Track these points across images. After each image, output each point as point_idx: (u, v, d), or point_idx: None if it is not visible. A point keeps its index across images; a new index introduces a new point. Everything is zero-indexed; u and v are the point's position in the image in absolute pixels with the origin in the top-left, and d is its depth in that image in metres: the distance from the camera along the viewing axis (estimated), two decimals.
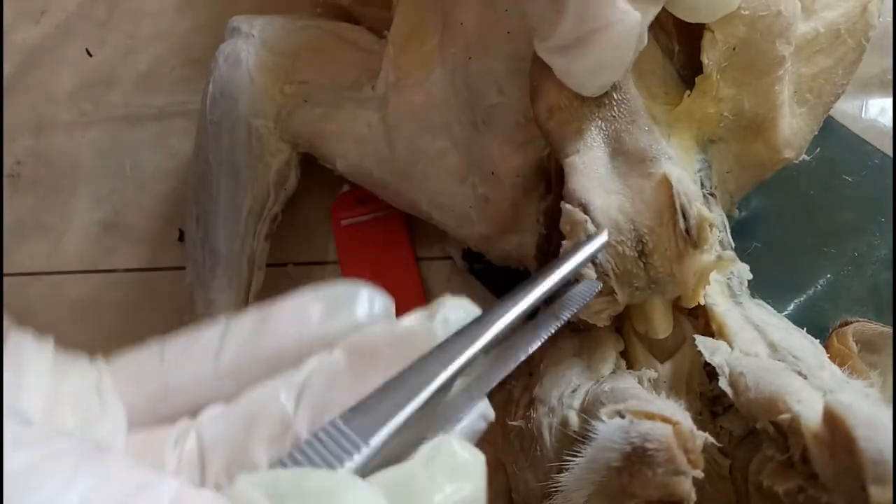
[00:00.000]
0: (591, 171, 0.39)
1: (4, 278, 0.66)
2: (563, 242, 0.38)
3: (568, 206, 0.38)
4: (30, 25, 0.77)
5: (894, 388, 0.38)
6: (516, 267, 0.53)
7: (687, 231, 0.37)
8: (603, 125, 0.40)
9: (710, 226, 0.38)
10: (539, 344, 0.29)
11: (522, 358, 0.28)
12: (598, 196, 0.38)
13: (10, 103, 0.73)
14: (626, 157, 0.40)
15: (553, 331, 0.31)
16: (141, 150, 0.69)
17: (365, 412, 0.22)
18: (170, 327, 0.58)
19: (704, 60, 0.42)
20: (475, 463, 0.21)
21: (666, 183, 0.38)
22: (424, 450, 0.21)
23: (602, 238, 0.37)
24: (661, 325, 0.41)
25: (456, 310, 0.26)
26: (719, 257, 0.39)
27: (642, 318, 0.41)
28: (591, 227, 0.37)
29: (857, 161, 0.57)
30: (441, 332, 0.24)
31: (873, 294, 0.53)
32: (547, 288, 0.30)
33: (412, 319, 0.25)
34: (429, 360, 0.24)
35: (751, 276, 0.44)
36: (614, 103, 0.40)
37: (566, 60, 0.37)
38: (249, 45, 0.55)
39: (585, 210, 0.38)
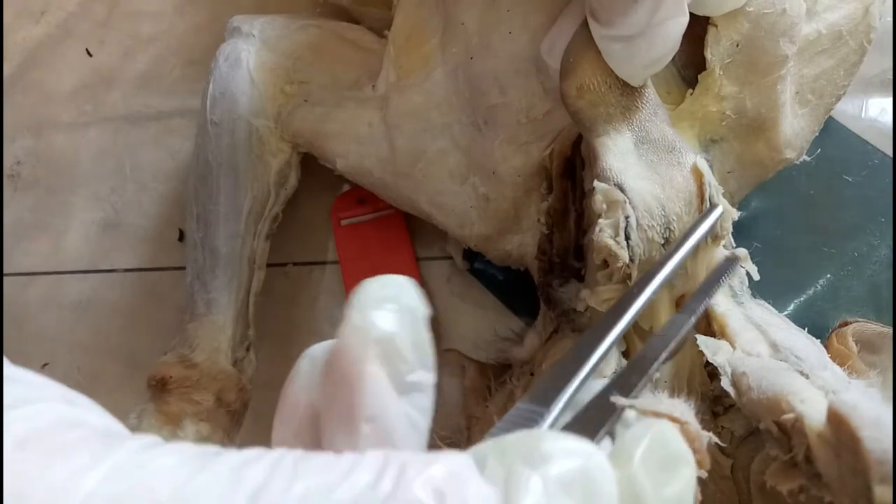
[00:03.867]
0: (623, 154, 0.40)
1: (4, 278, 0.66)
2: (599, 221, 0.38)
3: (603, 184, 0.38)
4: (30, 25, 0.76)
5: (894, 388, 0.38)
6: (516, 267, 0.53)
7: None
8: (627, 114, 0.41)
9: (731, 220, 0.38)
10: (692, 323, 0.33)
11: (678, 340, 0.31)
12: (632, 179, 0.39)
13: (10, 103, 0.73)
14: (653, 146, 0.40)
15: (702, 311, 0.35)
16: (141, 150, 0.69)
17: (539, 390, 0.25)
18: (170, 327, 0.58)
19: (708, 56, 0.42)
20: (687, 454, 0.21)
21: (697, 172, 0.39)
22: (640, 440, 0.21)
23: (719, 210, 0.38)
24: (665, 321, 0.41)
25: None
26: (732, 254, 0.40)
27: (647, 313, 0.41)
28: (628, 208, 0.37)
29: (857, 161, 0.57)
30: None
31: (873, 294, 0.53)
32: (675, 265, 0.34)
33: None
34: (580, 342, 0.27)
35: (758, 277, 0.44)
36: (637, 94, 0.41)
37: (629, 50, 0.38)
38: (250, 45, 0.55)
39: (622, 190, 0.38)
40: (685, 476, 0.21)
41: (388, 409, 0.22)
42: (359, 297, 0.23)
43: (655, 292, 0.33)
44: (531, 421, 0.24)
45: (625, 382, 0.27)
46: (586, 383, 0.27)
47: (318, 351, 0.24)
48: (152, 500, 0.16)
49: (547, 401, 0.25)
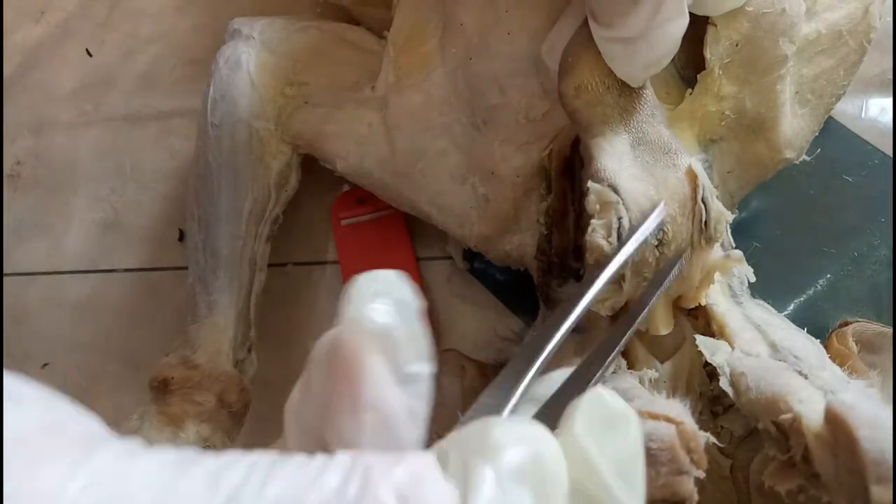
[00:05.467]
0: (619, 155, 0.40)
1: (4, 278, 0.66)
2: (592, 221, 0.38)
3: (597, 185, 0.38)
4: (30, 25, 0.77)
5: (894, 388, 0.38)
6: (516, 267, 0.53)
7: (705, 224, 0.38)
8: (624, 115, 0.41)
9: (726, 222, 0.38)
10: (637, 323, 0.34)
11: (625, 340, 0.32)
12: (626, 180, 0.39)
13: (10, 103, 0.73)
14: (649, 148, 0.40)
15: (650, 305, 0.35)
16: (141, 150, 0.69)
17: (500, 381, 0.26)
18: (170, 327, 0.58)
19: (707, 55, 0.42)
20: (627, 411, 0.21)
21: (692, 174, 0.39)
22: (578, 407, 0.21)
23: (662, 209, 0.38)
24: (662, 321, 0.41)
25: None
26: (727, 256, 0.40)
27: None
28: (621, 209, 0.37)
29: (857, 161, 0.57)
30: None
31: (873, 294, 0.53)
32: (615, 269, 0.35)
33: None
34: (538, 335, 0.28)
35: (754, 279, 0.44)
36: (636, 96, 0.41)
37: (630, 51, 0.38)
38: (250, 48, 0.55)
39: (615, 191, 0.38)
40: (631, 434, 0.21)
41: (389, 398, 0.23)
42: (352, 293, 0.24)
43: (605, 288, 0.35)
44: (493, 411, 0.25)
45: (585, 372, 0.28)
46: (551, 376, 0.27)
47: (320, 345, 0.25)
48: None
49: (507, 391, 0.26)
